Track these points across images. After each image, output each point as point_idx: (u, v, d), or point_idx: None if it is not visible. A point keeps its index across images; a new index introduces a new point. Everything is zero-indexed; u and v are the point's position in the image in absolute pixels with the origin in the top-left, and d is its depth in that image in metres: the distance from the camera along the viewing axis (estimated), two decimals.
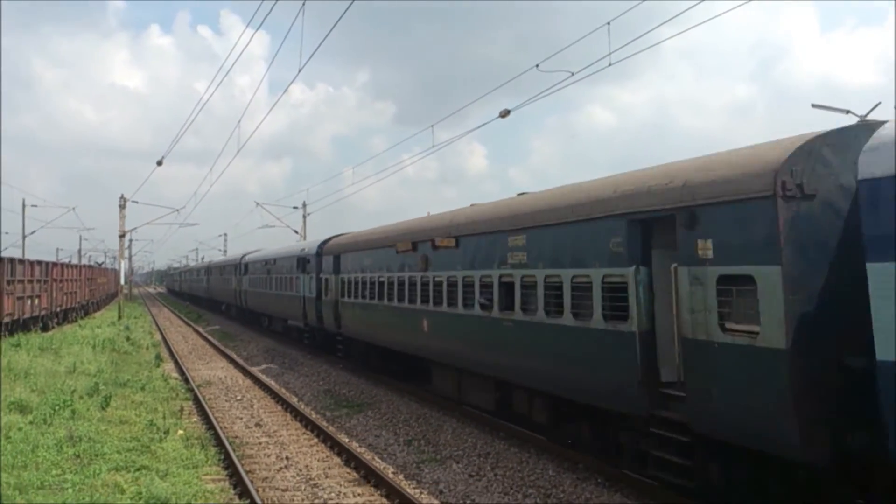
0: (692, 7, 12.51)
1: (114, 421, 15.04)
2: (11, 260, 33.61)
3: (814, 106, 30.76)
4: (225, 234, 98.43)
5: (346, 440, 14.19)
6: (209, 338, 38.29)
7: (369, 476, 11.71)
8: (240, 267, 47.12)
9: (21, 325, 34.11)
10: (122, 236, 50.35)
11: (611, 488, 10.84)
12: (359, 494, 11.01)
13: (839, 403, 7.69)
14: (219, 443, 13.73)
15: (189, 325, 49.80)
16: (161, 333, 40.38)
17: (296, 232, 53.71)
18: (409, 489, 11.10)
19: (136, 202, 51.03)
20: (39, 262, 38.43)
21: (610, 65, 14.16)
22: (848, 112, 29.72)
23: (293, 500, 10.82)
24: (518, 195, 15.27)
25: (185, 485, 10.76)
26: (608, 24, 13.95)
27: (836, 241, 7.93)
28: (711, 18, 12.90)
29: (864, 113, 29.24)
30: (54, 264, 42.56)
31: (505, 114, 18.60)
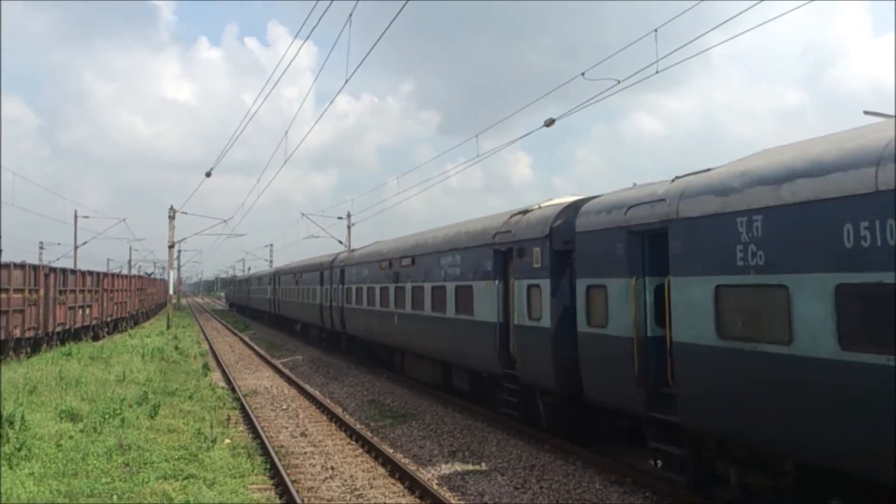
0: (743, 12, 12.27)
1: (162, 429, 15.21)
2: (64, 270, 34.35)
3: (866, 112, 30.02)
4: (271, 245, 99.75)
5: (391, 451, 14.15)
6: (255, 347, 38.66)
7: (414, 487, 11.65)
8: (274, 278, 53.49)
9: (72, 335, 34.83)
10: (171, 247, 51.22)
11: (659, 503, 10.61)
12: None
13: (573, 358, 12.36)
14: (265, 452, 13.79)
15: (235, 334, 50.37)
16: (208, 343, 40.88)
17: (340, 242, 54.06)
18: (454, 501, 11.01)
19: (186, 213, 52.05)
20: (91, 273, 39.26)
21: (657, 72, 13.97)
22: None
23: None
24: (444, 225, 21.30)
25: (232, 494, 10.81)
26: (655, 31, 13.77)
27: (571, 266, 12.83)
28: (762, 24, 12.62)
29: None
30: (105, 275, 43.42)
31: (549, 123, 18.44)
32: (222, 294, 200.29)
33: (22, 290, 27.25)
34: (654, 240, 10.29)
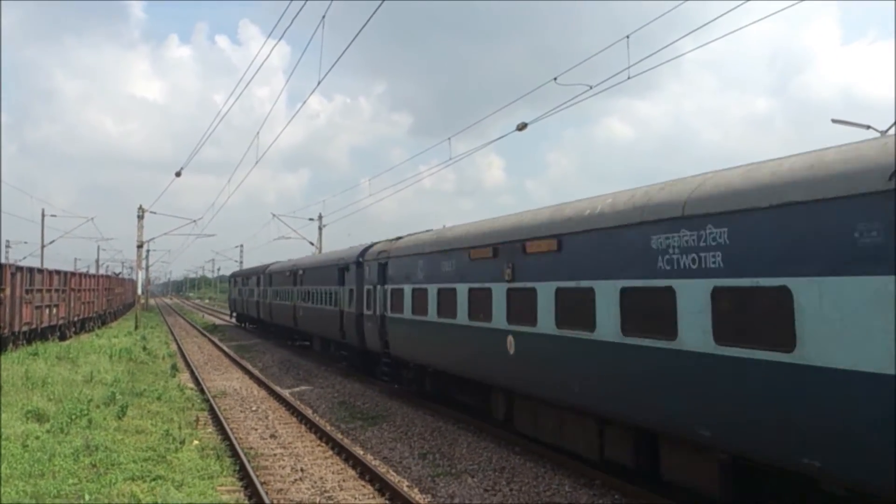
0: (715, 19, 12.47)
1: (130, 430, 15.07)
2: (30, 269, 33.85)
3: (834, 121, 30.58)
4: (241, 246, 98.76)
5: (361, 453, 14.15)
6: (225, 348, 38.38)
7: (384, 489, 11.66)
8: (235, 279, 64.77)
9: (39, 334, 34.35)
10: (139, 246, 50.65)
11: None
12: None
13: (362, 328, 23.21)
14: (234, 454, 13.73)
15: (205, 335, 49.94)
16: (177, 343, 40.51)
17: (311, 244, 53.83)
18: (425, 503, 11.04)
19: (155, 213, 51.51)
20: (58, 272, 38.69)
21: (629, 77, 14.13)
22: (868, 127, 29.43)
23: None
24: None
25: (201, 495, 10.76)
26: (627, 37, 13.94)
27: (366, 279, 22.94)
28: (733, 31, 12.85)
29: (884, 128, 28.96)
30: (72, 274, 42.82)
31: (522, 127, 18.55)
32: (191, 295, 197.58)
33: None
34: (386, 267, 20.42)
